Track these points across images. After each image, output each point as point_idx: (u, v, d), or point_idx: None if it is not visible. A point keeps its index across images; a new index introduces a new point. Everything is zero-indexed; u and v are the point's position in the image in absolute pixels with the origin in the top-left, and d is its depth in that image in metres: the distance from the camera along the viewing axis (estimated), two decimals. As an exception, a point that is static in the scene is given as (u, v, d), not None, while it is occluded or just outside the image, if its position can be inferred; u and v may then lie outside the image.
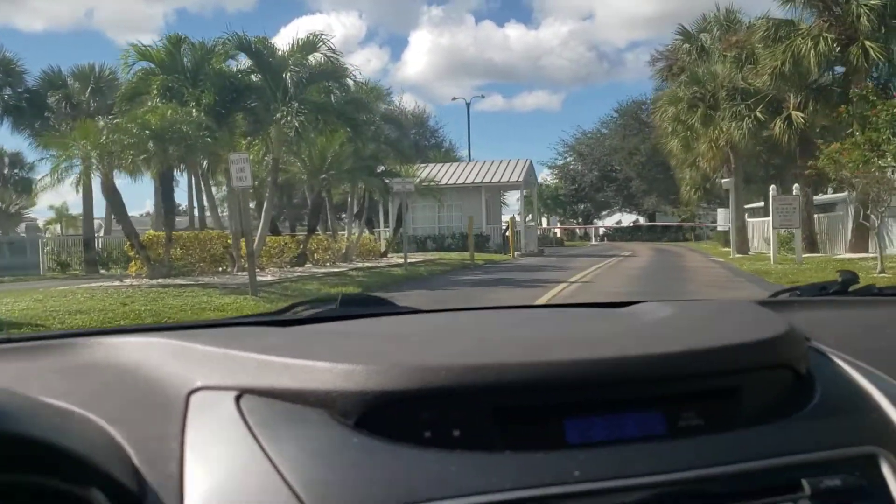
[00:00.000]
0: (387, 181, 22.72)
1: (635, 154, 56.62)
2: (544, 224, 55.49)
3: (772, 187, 22.64)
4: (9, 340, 1.05)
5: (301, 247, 21.68)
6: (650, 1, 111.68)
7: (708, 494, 0.77)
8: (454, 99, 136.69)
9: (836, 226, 25.30)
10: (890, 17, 20.18)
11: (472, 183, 32.24)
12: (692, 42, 31.17)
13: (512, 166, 32.98)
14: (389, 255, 27.18)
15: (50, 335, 1.14)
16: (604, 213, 66.32)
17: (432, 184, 26.35)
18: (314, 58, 18.43)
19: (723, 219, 39.17)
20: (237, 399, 0.79)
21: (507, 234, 30.53)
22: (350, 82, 19.90)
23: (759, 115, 24.61)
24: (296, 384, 0.79)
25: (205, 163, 17.36)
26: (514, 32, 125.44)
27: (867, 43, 20.23)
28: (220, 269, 17.97)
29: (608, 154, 60.39)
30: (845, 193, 30.14)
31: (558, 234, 52.51)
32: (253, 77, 18.34)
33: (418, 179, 24.74)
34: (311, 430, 0.75)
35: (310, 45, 17.81)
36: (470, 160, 39.32)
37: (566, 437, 0.79)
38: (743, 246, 28.03)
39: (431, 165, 32.48)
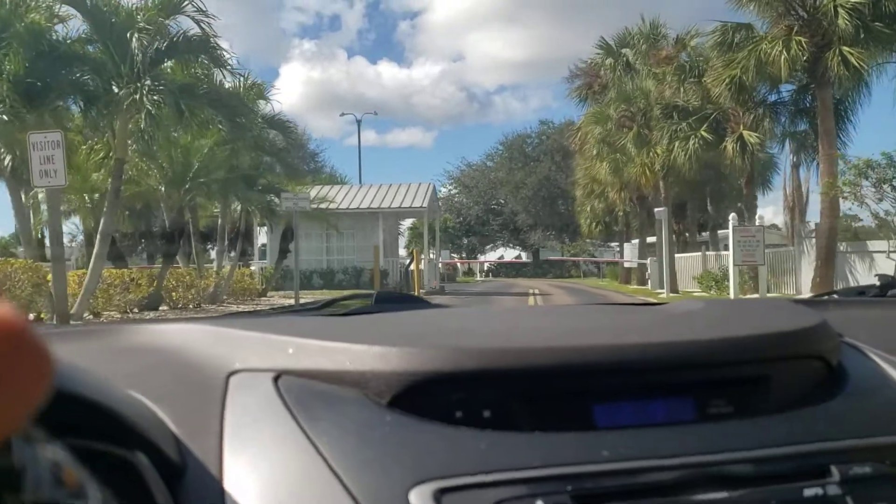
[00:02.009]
0: (271, 198, 17.74)
1: (521, 188, 55.27)
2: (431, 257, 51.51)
3: (732, 216, 19.38)
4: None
5: (155, 283, 16.43)
6: (517, 48, 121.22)
7: (736, 477, 0.76)
8: (342, 114, 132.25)
9: (786, 262, 22.37)
10: (872, 18, 17.24)
11: (369, 208, 27.49)
12: (616, 57, 28.05)
13: (413, 191, 28.58)
14: (270, 294, 22.10)
15: (89, 324, 1.11)
16: (488, 247, 63.94)
17: (328, 205, 21.51)
18: (177, 25, 13.38)
19: (629, 254, 36.27)
20: (275, 380, 0.79)
21: (411, 267, 25.99)
22: (226, 72, 14.84)
23: (704, 134, 21.51)
24: (332, 365, 0.79)
25: (7, 158, 11.85)
26: (387, 70, 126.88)
27: (846, 49, 17.25)
28: (32, 315, 12.51)
29: (493, 187, 58.68)
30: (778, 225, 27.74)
31: (441, 269, 48.39)
32: (90, 47, 13.18)
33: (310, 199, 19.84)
34: (346, 408, 0.76)
35: (170, 3, 12.64)
36: (361, 184, 34.56)
37: (595, 420, 0.79)
38: (673, 284, 24.99)
39: (320, 186, 27.52)
